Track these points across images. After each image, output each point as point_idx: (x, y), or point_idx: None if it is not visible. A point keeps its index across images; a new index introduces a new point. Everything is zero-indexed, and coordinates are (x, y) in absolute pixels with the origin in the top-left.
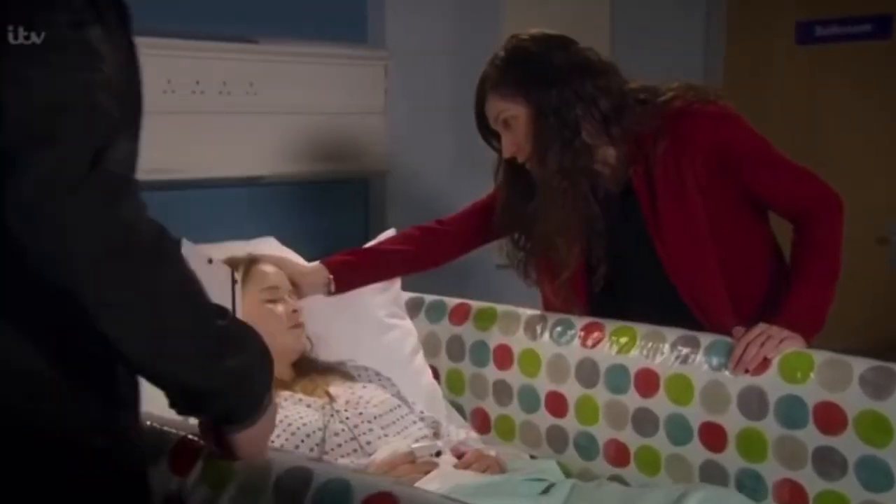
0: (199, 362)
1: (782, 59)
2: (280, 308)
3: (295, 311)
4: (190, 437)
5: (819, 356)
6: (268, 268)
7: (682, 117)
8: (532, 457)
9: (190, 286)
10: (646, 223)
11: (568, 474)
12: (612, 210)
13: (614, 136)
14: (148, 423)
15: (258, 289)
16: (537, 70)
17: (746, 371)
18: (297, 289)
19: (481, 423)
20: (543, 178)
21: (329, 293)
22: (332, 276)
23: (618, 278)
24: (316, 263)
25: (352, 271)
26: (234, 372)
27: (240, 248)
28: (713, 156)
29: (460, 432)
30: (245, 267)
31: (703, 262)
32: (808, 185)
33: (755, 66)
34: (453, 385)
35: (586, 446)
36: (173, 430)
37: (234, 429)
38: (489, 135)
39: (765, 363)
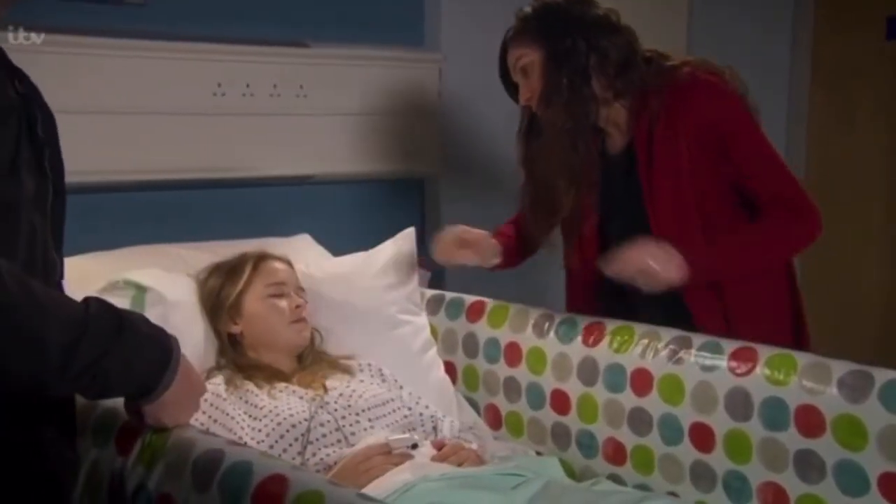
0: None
1: (872, 56)
2: (283, 303)
3: (298, 306)
4: None
5: (802, 358)
6: (277, 264)
7: (685, 81)
8: (538, 453)
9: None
10: (641, 182)
11: (570, 472)
12: (615, 168)
13: (619, 89)
14: (100, 406)
15: (264, 283)
16: (556, 19)
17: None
18: (474, 252)
19: (493, 418)
20: (549, 119)
21: (491, 268)
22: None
23: (616, 237)
24: (490, 237)
25: (508, 253)
26: (86, 360)
27: (276, 244)
28: (705, 133)
29: (463, 427)
30: (254, 262)
31: (687, 234)
32: (793, 190)
33: (844, 63)
34: (469, 381)
35: (587, 444)
36: (121, 413)
37: (142, 402)
38: (510, 88)
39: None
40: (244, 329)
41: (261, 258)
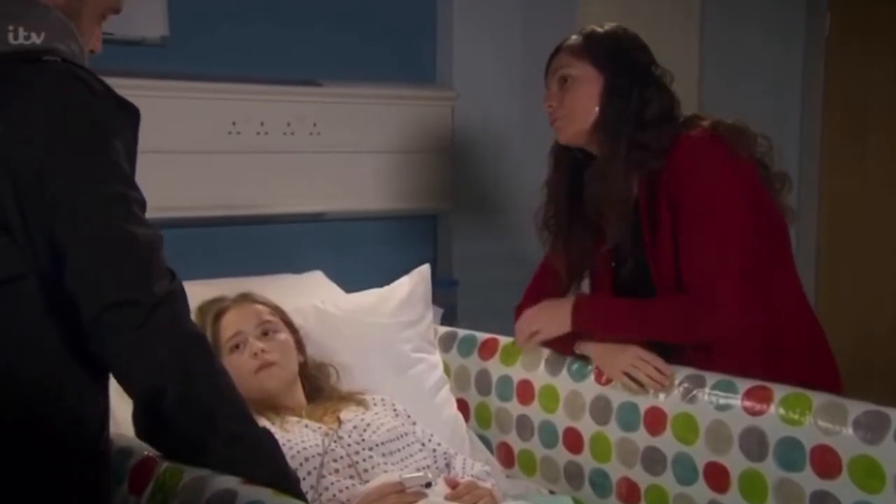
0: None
1: (882, 96)
2: (243, 356)
3: (257, 353)
4: (147, 455)
5: (817, 398)
6: (228, 316)
7: (683, 140)
8: (552, 492)
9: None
10: (644, 236)
11: None
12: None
13: (642, 143)
14: (114, 444)
15: (223, 341)
16: (621, 54)
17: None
18: None
19: (506, 456)
20: (610, 143)
21: None
22: None
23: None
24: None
25: None
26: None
27: (288, 281)
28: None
29: (476, 465)
30: (211, 325)
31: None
32: (711, 278)
33: (854, 103)
34: (481, 419)
35: (600, 483)
36: (136, 451)
37: None
38: None
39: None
40: None
41: (216, 317)
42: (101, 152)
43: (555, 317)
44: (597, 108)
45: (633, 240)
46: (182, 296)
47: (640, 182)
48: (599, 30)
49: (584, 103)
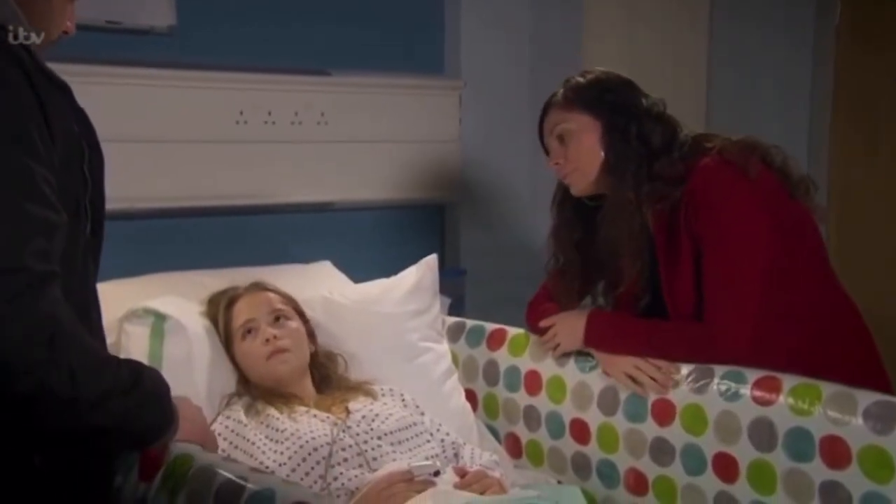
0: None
1: (891, 90)
2: (255, 343)
3: (269, 339)
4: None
5: (827, 388)
6: (240, 303)
7: (699, 167)
8: (559, 483)
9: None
10: (660, 266)
11: (592, 502)
12: None
13: (652, 174)
14: None
15: (234, 328)
16: (610, 96)
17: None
18: None
19: (514, 447)
20: (619, 182)
21: None
22: None
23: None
24: None
25: None
26: (128, 410)
27: (296, 271)
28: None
29: (484, 455)
30: (224, 310)
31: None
32: (726, 308)
33: (863, 96)
34: (489, 409)
35: (608, 474)
36: None
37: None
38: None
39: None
40: (241, 366)
41: (228, 304)
42: (11, 121)
43: (570, 331)
44: (602, 153)
45: (650, 275)
46: (58, 290)
47: (657, 216)
48: (581, 79)
49: (588, 151)
